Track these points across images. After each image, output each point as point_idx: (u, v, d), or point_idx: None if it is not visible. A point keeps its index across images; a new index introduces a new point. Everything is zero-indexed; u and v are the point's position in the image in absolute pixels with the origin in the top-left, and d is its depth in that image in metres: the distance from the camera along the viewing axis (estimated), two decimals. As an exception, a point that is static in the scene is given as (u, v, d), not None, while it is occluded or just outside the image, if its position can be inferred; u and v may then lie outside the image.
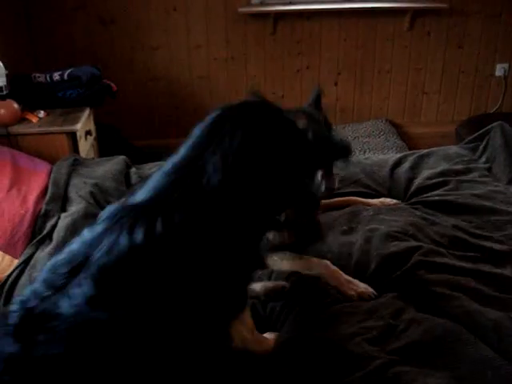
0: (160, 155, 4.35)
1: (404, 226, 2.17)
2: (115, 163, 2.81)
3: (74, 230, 2.19)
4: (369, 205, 2.46)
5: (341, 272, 1.93)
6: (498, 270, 1.94)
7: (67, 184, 2.56)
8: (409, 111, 4.82)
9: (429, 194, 2.53)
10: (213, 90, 4.60)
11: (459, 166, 2.79)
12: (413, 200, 2.54)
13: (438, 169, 2.76)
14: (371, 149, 4.24)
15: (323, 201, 2.43)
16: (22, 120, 3.22)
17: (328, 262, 1.97)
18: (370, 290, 1.85)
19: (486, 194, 2.53)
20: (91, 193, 2.46)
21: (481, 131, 3.07)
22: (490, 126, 3.02)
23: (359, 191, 2.59)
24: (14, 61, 3.71)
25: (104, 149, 3.87)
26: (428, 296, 1.77)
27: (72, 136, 3.20)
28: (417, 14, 4.44)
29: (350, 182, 2.69)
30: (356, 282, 1.89)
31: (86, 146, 3.41)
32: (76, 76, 3.41)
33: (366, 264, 1.99)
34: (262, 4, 4.39)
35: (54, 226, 2.27)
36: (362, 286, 1.86)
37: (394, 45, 4.57)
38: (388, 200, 2.52)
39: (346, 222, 2.27)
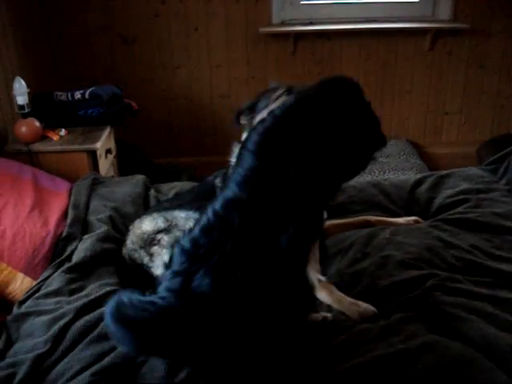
0: (180, 173, 4.40)
1: (420, 250, 2.15)
2: (134, 185, 2.81)
3: (93, 252, 2.20)
4: (390, 224, 2.44)
5: (344, 296, 1.92)
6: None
7: (87, 206, 2.57)
8: (429, 131, 4.79)
9: (449, 212, 2.52)
10: (233, 109, 4.53)
11: (480, 186, 2.77)
12: (433, 218, 2.53)
13: (459, 188, 2.74)
14: (391, 169, 4.22)
15: (344, 220, 2.43)
16: (43, 138, 3.26)
17: (333, 287, 1.96)
18: (371, 308, 1.83)
19: (507, 213, 2.51)
20: (110, 217, 2.47)
21: (501, 153, 3.04)
22: (510, 148, 3.00)
23: (377, 214, 2.58)
24: (37, 79, 3.78)
25: (124, 167, 3.90)
26: (442, 317, 1.75)
27: (92, 154, 3.23)
28: (438, 34, 4.43)
29: (368, 204, 2.68)
30: (359, 302, 1.87)
31: (105, 164, 3.44)
32: (97, 95, 3.45)
33: (376, 287, 1.98)
34: (282, 24, 4.41)
35: (74, 250, 2.28)
36: (364, 306, 1.84)
37: (415, 65, 4.55)
38: (409, 218, 2.50)
39: (360, 246, 2.25)
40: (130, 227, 2.29)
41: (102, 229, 2.35)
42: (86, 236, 2.33)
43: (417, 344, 1.62)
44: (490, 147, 4.37)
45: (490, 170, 3.01)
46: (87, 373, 1.64)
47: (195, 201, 2.29)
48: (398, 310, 1.85)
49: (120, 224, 2.48)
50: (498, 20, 4.42)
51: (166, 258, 2.05)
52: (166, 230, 2.14)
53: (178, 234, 2.08)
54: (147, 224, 2.20)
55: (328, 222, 2.39)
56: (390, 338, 1.67)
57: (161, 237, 2.12)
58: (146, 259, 2.11)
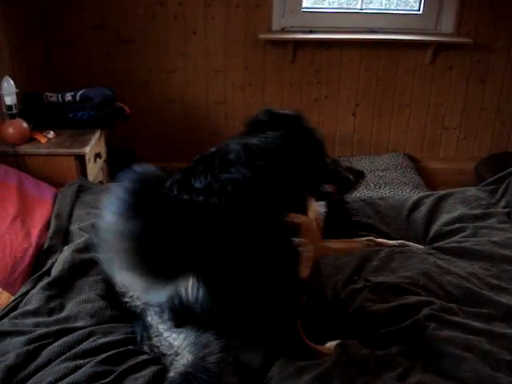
0: (172, 179, 4.30)
1: (416, 275, 2.07)
2: (121, 192, 2.72)
3: (71, 265, 2.12)
4: (388, 246, 2.37)
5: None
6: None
7: (70, 215, 2.49)
8: (428, 146, 4.71)
9: (446, 241, 2.44)
10: (229, 116, 4.54)
11: (477, 211, 2.69)
12: (429, 246, 2.47)
13: (456, 213, 2.66)
14: (387, 183, 4.14)
15: (339, 245, 2.33)
16: (30, 140, 3.18)
17: None
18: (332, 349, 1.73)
19: (505, 242, 2.43)
20: (93, 225, 2.37)
21: (501, 174, 2.97)
22: (510, 169, 2.93)
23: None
24: (30, 79, 3.70)
25: (115, 172, 3.81)
26: (437, 354, 1.66)
27: (80, 159, 3.14)
28: (440, 47, 4.35)
29: (364, 227, 2.61)
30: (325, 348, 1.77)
31: (94, 169, 3.35)
32: (88, 97, 3.36)
33: (370, 312, 1.90)
34: (282, 31, 4.33)
35: (54, 263, 2.19)
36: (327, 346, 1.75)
37: (415, 78, 4.48)
38: (407, 243, 2.43)
39: (356, 267, 2.17)
40: None
41: (81, 239, 2.26)
42: (65, 247, 2.24)
43: (412, 383, 1.54)
44: (488, 164, 4.31)
45: (488, 191, 2.93)
46: (63, 382, 1.60)
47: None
48: (392, 339, 1.78)
49: (103, 230, 2.39)
50: (501, 35, 4.36)
51: None
52: None
53: None
54: None
55: (327, 244, 2.31)
56: (385, 373, 1.60)
57: None
58: None
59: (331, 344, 1.73)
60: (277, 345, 1.66)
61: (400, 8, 4.57)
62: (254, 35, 4.28)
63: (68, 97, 3.37)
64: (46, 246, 2.30)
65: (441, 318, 1.82)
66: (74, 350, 1.74)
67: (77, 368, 1.67)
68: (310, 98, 4.52)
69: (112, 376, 1.63)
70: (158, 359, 1.71)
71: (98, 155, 3.40)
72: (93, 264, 2.18)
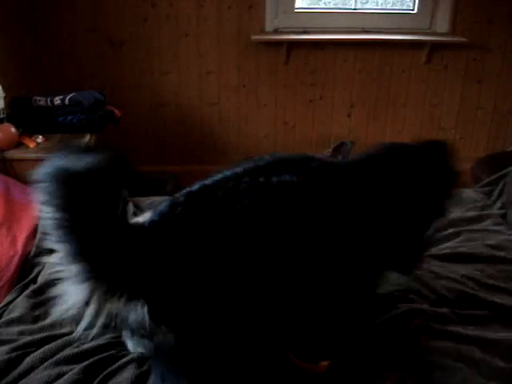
0: (165, 183, 4.27)
1: (407, 282, 2.02)
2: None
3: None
4: None
5: None
6: (505, 334, 1.78)
7: None
8: (424, 146, 4.66)
9: (439, 247, 2.39)
10: (223, 118, 4.50)
11: (472, 213, 2.66)
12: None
13: (450, 217, 2.62)
14: (382, 185, 4.09)
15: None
16: (19, 144, 3.13)
17: None
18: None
19: (500, 244, 2.40)
20: None
21: (496, 175, 2.94)
22: (506, 170, 2.89)
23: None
24: (21, 83, 3.65)
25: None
26: (428, 366, 1.62)
27: (70, 163, 3.08)
28: (435, 47, 4.31)
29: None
30: None
31: (85, 173, 3.29)
32: (78, 101, 3.32)
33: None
34: (275, 32, 4.29)
35: (41, 270, 2.15)
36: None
37: (411, 78, 4.44)
38: None
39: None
40: None
41: None
42: (52, 254, 2.19)
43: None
44: (485, 164, 4.25)
45: (484, 193, 2.91)
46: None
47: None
48: (383, 351, 1.73)
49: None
50: (497, 34, 4.31)
51: None
52: None
53: None
54: None
55: None
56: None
57: None
58: None
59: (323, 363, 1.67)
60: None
61: (396, 7, 4.52)
62: (246, 36, 4.24)
63: (57, 101, 3.33)
64: (32, 253, 2.25)
65: (432, 328, 1.77)
66: (57, 357, 1.71)
67: (59, 376, 1.64)
68: (304, 100, 4.48)
69: (94, 382, 1.61)
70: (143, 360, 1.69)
71: (88, 159, 3.35)
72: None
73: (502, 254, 2.31)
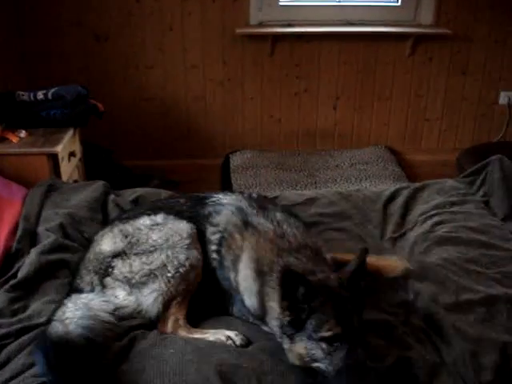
0: (150, 177, 4.27)
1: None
2: (93, 190, 2.67)
3: (38, 267, 2.08)
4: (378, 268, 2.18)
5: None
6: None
7: (39, 216, 2.44)
8: (409, 138, 4.69)
9: (421, 227, 2.45)
10: (208, 112, 4.50)
11: (454, 198, 2.70)
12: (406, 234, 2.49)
13: (432, 203, 2.67)
14: (368, 176, 4.11)
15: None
16: (2, 139, 3.11)
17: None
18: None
19: (481, 228, 2.45)
20: (60, 225, 2.33)
21: (479, 165, 2.96)
22: (488, 160, 2.91)
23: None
24: (5, 78, 3.63)
25: (91, 170, 3.76)
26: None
27: (53, 158, 3.08)
28: (419, 39, 4.33)
29: (341, 217, 2.60)
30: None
31: (69, 168, 3.29)
32: (60, 95, 3.31)
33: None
34: (260, 25, 4.28)
35: (21, 266, 2.14)
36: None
37: (395, 70, 4.45)
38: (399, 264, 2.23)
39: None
40: (95, 236, 2.16)
41: (47, 240, 2.21)
42: (32, 250, 2.19)
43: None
44: (470, 155, 4.28)
45: (466, 182, 2.93)
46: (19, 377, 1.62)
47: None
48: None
49: (72, 230, 2.35)
50: (481, 26, 4.34)
51: (118, 293, 1.95)
52: (122, 253, 2.00)
53: (133, 258, 1.96)
54: (106, 243, 2.07)
55: None
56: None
57: (115, 264, 1.98)
58: (97, 289, 1.99)
59: None
60: None
61: (380, 0, 4.52)
62: (231, 30, 4.24)
63: (40, 95, 3.32)
64: (13, 249, 2.25)
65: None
66: (32, 346, 1.73)
67: (34, 363, 1.66)
68: (289, 93, 4.48)
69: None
70: None
71: (72, 154, 3.34)
72: (61, 265, 2.14)
73: (482, 238, 2.35)
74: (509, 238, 2.42)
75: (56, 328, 1.69)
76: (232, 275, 1.96)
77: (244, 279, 1.91)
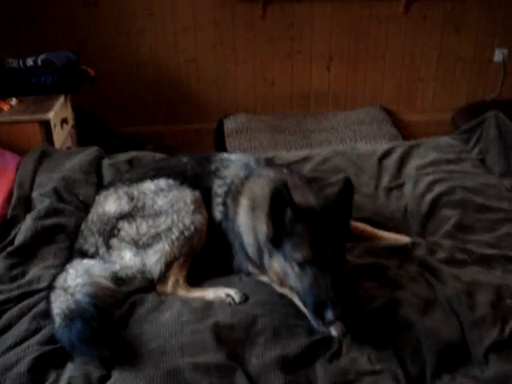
0: (144, 143, 4.24)
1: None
2: (86, 154, 2.65)
3: (34, 232, 2.08)
4: (377, 238, 2.19)
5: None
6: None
7: (33, 182, 2.43)
8: (404, 98, 4.66)
9: (417, 185, 2.45)
10: (200, 75, 4.45)
11: (450, 156, 2.70)
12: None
13: (428, 158, 2.67)
14: (363, 137, 4.09)
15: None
16: (-8, 108, 3.08)
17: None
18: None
19: (478, 188, 2.44)
20: (55, 189, 2.32)
21: (474, 121, 2.95)
22: (483, 116, 2.90)
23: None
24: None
25: (84, 137, 3.73)
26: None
27: (45, 125, 3.05)
28: (413, -4, 4.27)
29: (336, 172, 2.60)
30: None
31: (61, 135, 3.27)
32: (50, 61, 3.27)
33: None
34: (251, -15, 4.21)
35: (18, 233, 2.14)
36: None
37: (389, 29, 4.39)
38: (401, 238, 2.20)
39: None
40: (97, 197, 2.16)
41: (42, 205, 2.21)
42: (27, 215, 2.18)
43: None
44: (465, 114, 4.26)
45: (462, 140, 2.92)
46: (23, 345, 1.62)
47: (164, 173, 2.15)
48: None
49: (66, 193, 2.34)
50: (475, -18, 4.27)
51: (124, 254, 1.97)
52: (128, 215, 2.01)
53: (139, 221, 1.98)
54: (111, 204, 2.07)
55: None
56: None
57: (121, 226, 2.00)
58: (101, 250, 2.00)
59: None
60: None
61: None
62: (221, -10, 4.17)
63: (29, 62, 3.28)
64: (8, 216, 2.25)
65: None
66: (34, 311, 1.74)
67: (37, 330, 1.68)
68: (282, 54, 4.43)
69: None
70: None
71: (64, 121, 3.31)
72: (57, 230, 2.14)
73: (479, 199, 2.35)
74: (505, 196, 2.42)
75: (62, 297, 1.71)
76: (234, 222, 2.00)
77: (241, 218, 1.97)
